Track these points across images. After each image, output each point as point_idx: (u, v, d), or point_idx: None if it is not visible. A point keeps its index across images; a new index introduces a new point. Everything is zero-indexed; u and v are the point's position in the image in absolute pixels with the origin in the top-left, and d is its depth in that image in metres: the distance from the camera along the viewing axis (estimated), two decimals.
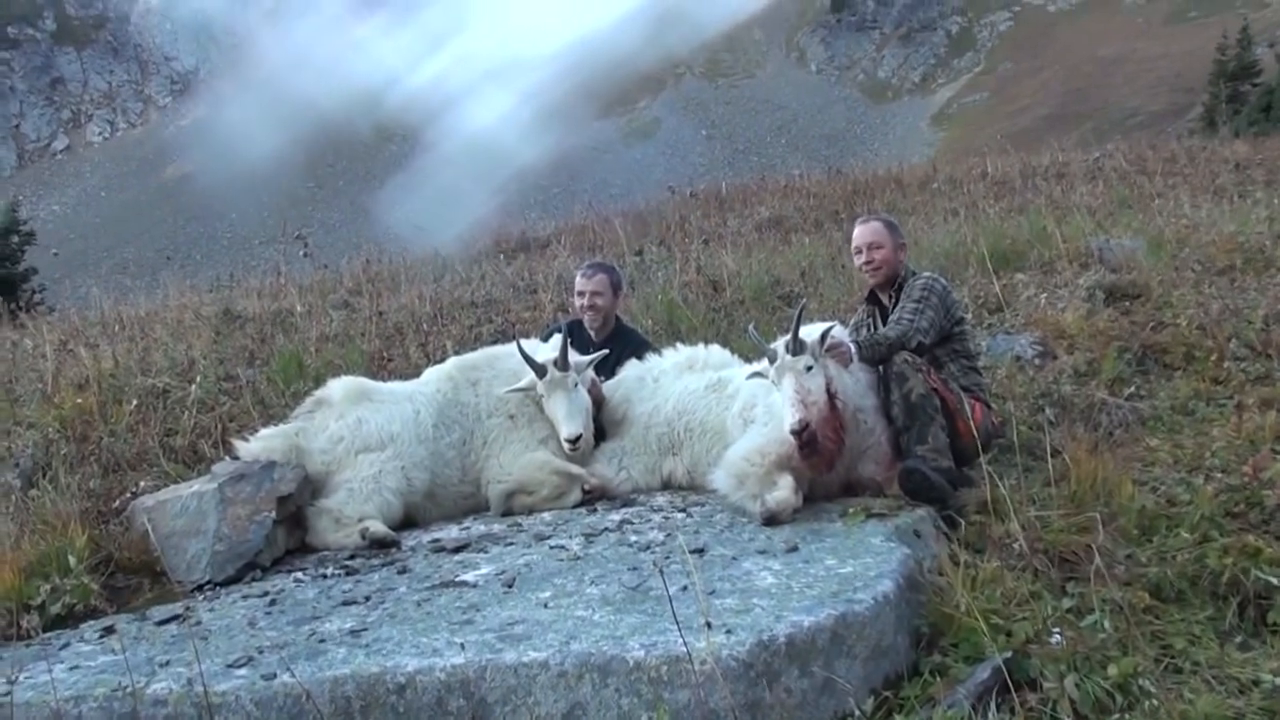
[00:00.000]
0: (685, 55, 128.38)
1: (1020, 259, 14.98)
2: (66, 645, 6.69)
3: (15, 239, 32.86)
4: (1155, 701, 4.94)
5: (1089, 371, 10.43)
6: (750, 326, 8.65)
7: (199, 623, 6.73)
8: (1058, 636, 5.44)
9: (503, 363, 9.38)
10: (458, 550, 7.63)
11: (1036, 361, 10.93)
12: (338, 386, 9.10)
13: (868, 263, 8.95)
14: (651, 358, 9.68)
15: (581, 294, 10.41)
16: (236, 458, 8.74)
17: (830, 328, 7.84)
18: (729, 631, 5.22)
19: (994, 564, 6.24)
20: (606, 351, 9.70)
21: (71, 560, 7.87)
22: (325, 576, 7.45)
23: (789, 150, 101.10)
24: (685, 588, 5.78)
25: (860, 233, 9.05)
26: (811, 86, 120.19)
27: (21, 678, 5.84)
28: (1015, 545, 6.46)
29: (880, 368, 8.11)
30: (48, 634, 7.12)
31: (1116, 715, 4.95)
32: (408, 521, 8.68)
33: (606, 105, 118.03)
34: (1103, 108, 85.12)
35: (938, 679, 5.42)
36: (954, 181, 26.92)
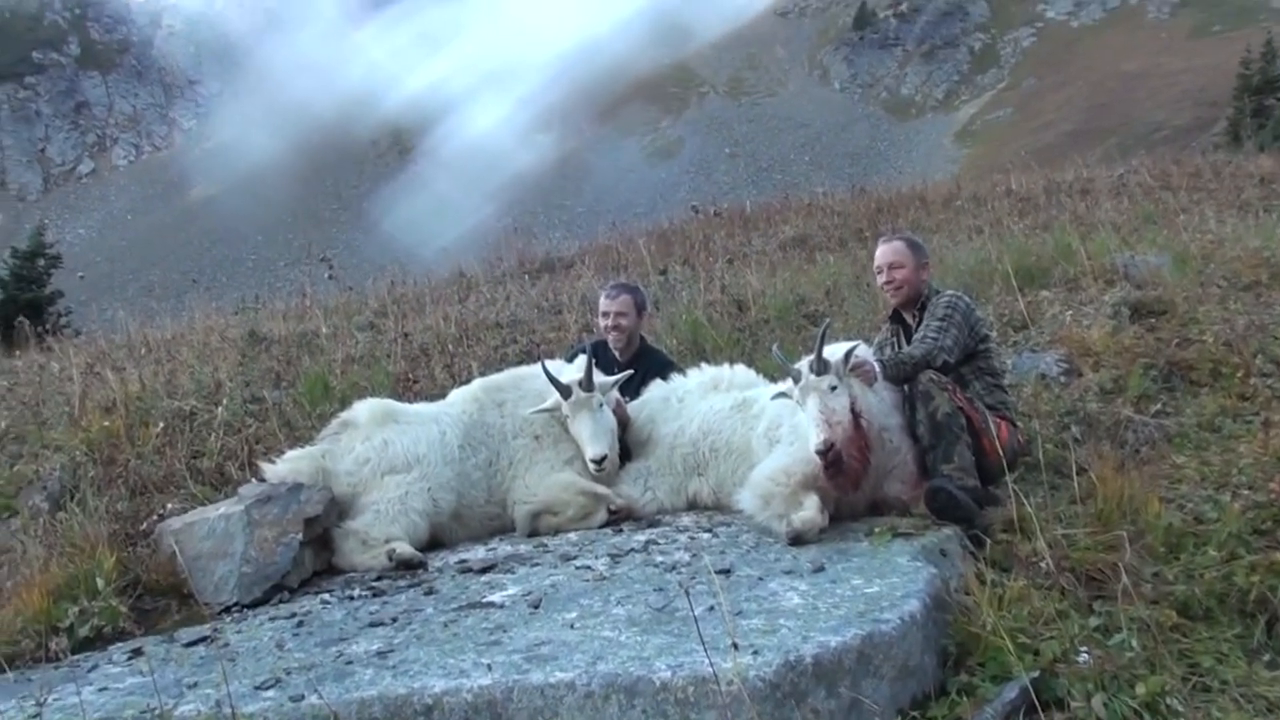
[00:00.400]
0: (708, 74, 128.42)
1: (1045, 276, 14.94)
2: (95, 667, 6.72)
3: (42, 262, 32.93)
4: None
5: (1115, 389, 10.38)
6: (774, 346, 8.64)
7: (226, 644, 6.75)
8: (1085, 655, 5.44)
9: (528, 384, 9.39)
10: (484, 571, 7.63)
11: (1062, 379, 10.89)
12: (363, 408, 9.12)
13: (888, 282, 8.94)
14: (676, 378, 9.70)
15: (606, 314, 10.43)
16: (263, 480, 8.75)
17: (854, 347, 7.85)
18: (755, 652, 5.21)
19: (1021, 583, 6.23)
20: (631, 372, 9.72)
21: (99, 583, 7.89)
22: (352, 598, 7.45)
23: (812, 168, 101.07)
24: (711, 608, 5.77)
25: (882, 252, 9.05)
26: (835, 104, 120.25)
27: (51, 700, 5.86)
28: (1042, 564, 6.45)
29: (905, 387, 8.11)
30: (76, 656, 7.14)
31: None
32: (434, 543, 8.67)
33: (608, 113, 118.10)
34: (1127, 123, 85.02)
35: (965, 699, 5.41)
36: (978, 199, 26.86)
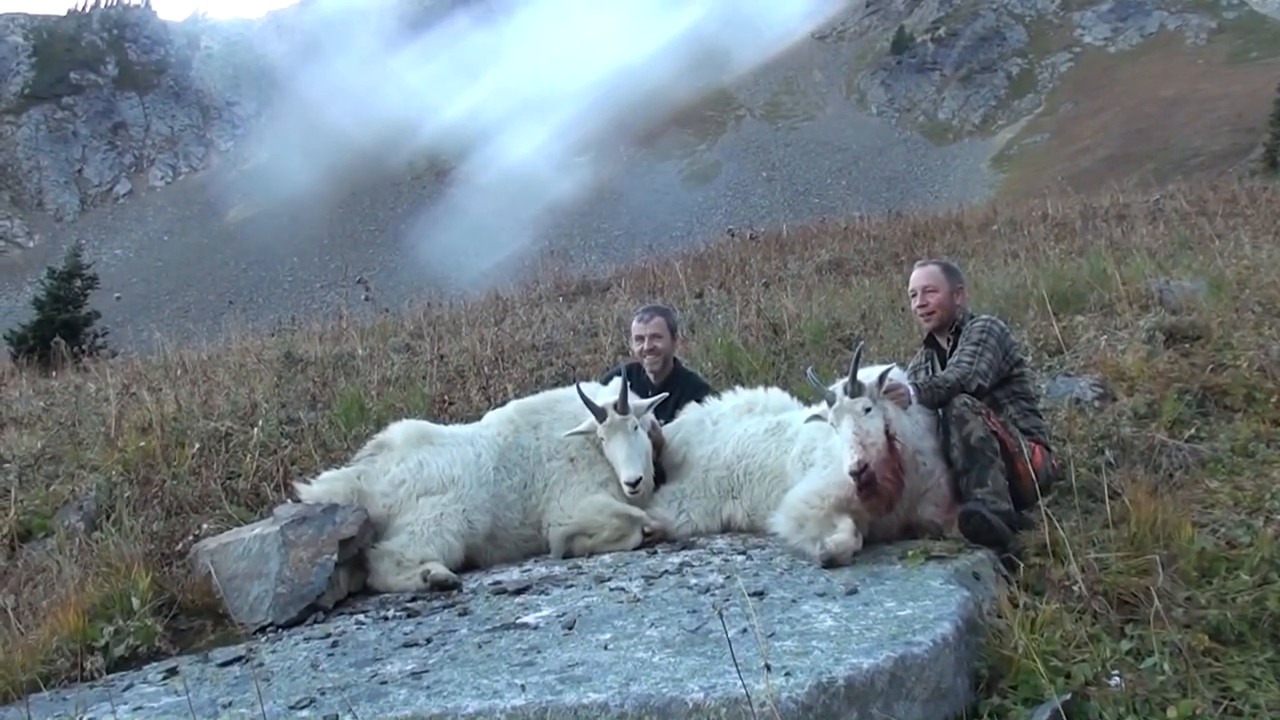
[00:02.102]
0: (745, 98, 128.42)
1: (1080, 301, 14.92)
2: (130, 687, 6.75)
3: (78, 283, 33.03)
4: None
5: (1149, 414, 10.36)
6: (809, 369, 8.66)
7: (261, 664, 6.78)
8: (1117, 679, 5.44)
9: (563, 406, 9.42)
10: (519, 592, 7.64)
11: (1096, 404, 10.87)
12: (399, 430, 9.15)
13: (922, 306, 8.95)
14: (711, 401, 9.68)
15: (640, 338, 10.43)
16: (298, 500, 8.78)
17: (888, 369, 7.86)
18: (788, 674, 5.22)
19: (1053, 606, 6.22)
20: (666, 395, 9.72)
21: (135, 602, 7.93)
22: (387, 618, 7.48)
23: (849, 192, 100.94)
24: (745, 630, 5.78)
25: (916, 276, 9.06)
26: (872, 128, 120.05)
27: (86, 719, 5.90)
28: (1074, 587, 6.45)
29: (939, 410, 8.12)
30: (111, 675, 7.19)
31: None
32: (469, 564, 8.69)
33: (646, 138, 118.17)
34: (1164, 148, 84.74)
35: None
36: (1014, 223, 26.84)
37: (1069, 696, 5.29)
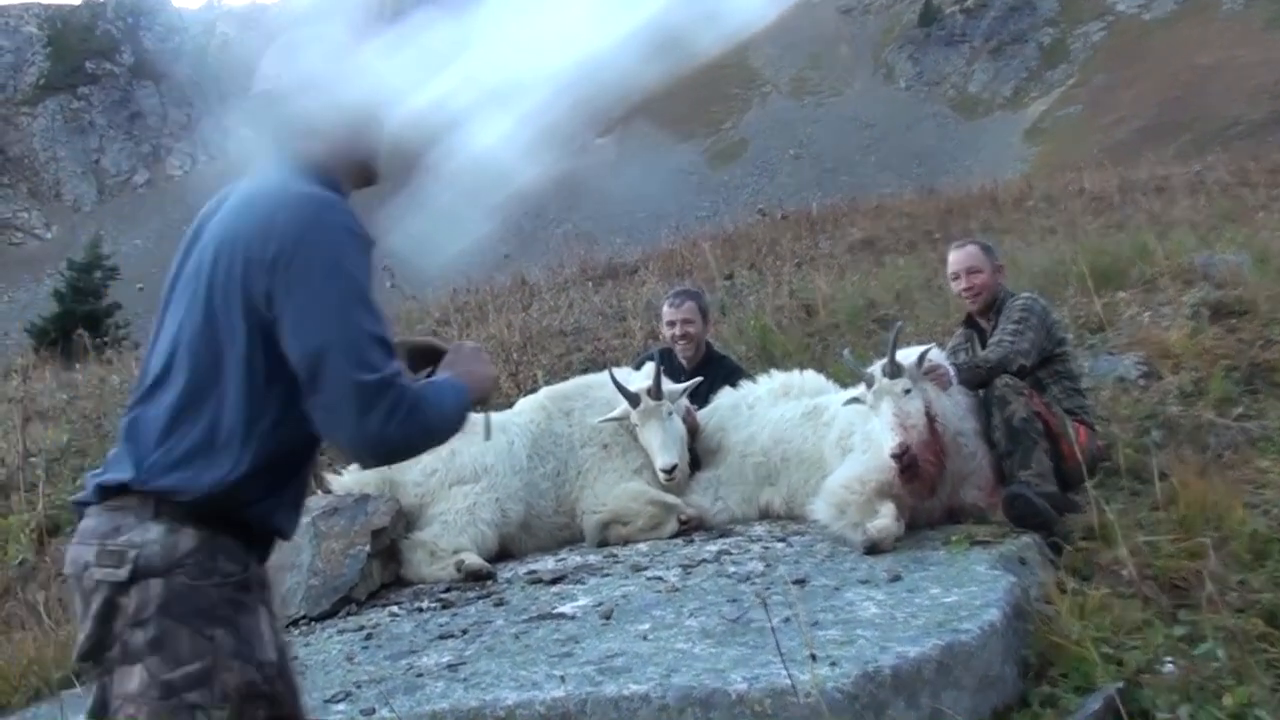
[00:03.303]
0: (770, 74, 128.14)
1: (1121, 277, 14.82)
2: None
3: (99, 274, 33.19)
4: None
5: (1196, 392, 10.29)
6: (845, 351, 8.65)
7: (295, 657, 6.78)
8: (1170, 666, 5.40)
9: (596, 392, 9.41)
10: (554, 582, 7.64)
11: (1141, 382, 10.82)
12: None
13: (967, 288, 8.87)
14: (746, 385, 9.63)
15: (672, 323, 10.35)
16: (329, 491, 8.79)
17: (927, 350, 7.82)
18: (833, 663, 5.20)
19: (1102, 591, 6.18)
20: (700, 379, 9.66)
21: None
22: (421, 610, 7.49)
23: (878, 169, 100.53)
24: (787, 619, 5.73)
25: (957, 258, 8.99)
26: (900, 103, 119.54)
27: None
28: (1124, 572, 6.40)
29: (980, 392, 8.08)
30: None
31: None
32: (502, 553, 8.72)
33: (667, 116, 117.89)
34: (1201, 118, 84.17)
35: (1047, 710, 5.38)
36: (1050, 198, 26.71)
37: (1121, 684, 5.24)
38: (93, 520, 3.35)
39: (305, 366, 3.32)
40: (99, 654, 3.27)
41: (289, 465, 3.54)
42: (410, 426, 3.43)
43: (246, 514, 3.41)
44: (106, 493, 3.37)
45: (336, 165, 3.78)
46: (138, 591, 3.22)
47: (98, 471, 3.45)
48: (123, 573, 3.23)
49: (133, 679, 3.19)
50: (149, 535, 3.26)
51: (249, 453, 3.37)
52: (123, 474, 3.34)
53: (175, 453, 3.33)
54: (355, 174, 3.88)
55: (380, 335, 3.42)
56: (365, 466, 3.91)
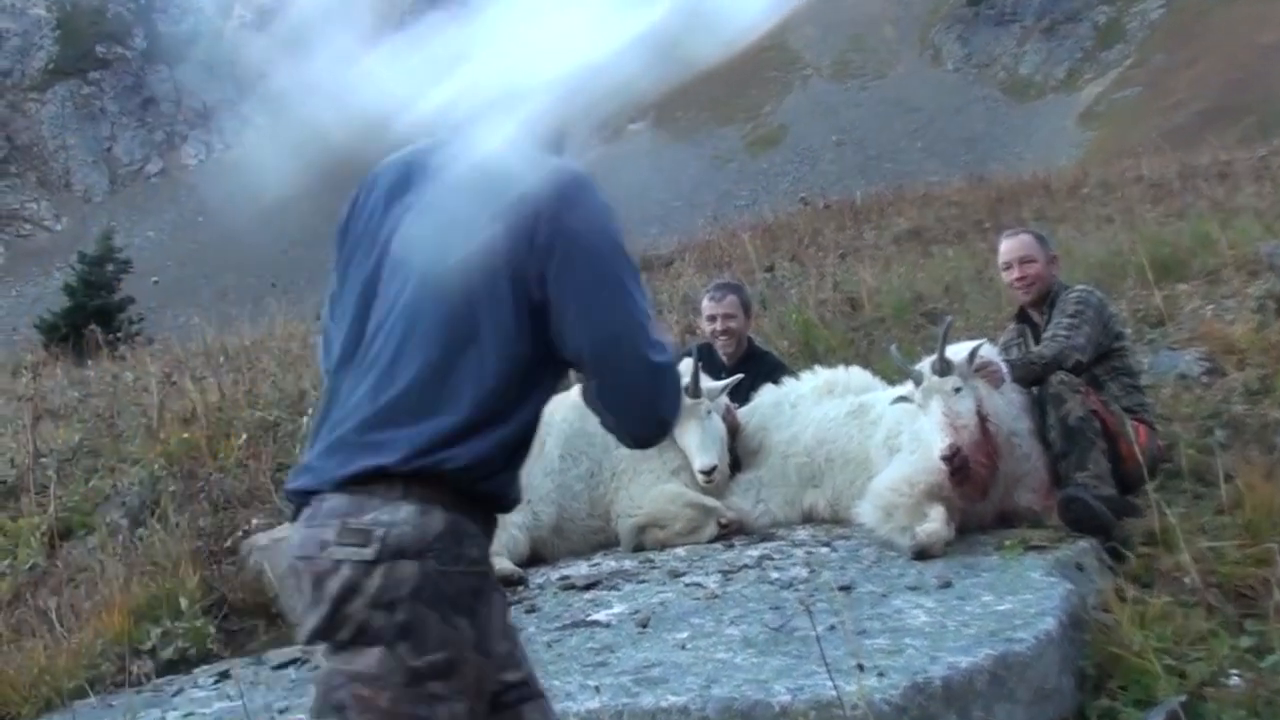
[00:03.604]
0: (811, 56, 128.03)
1: (1182, 268, 14.77)
2: (180, 691, 6.82)
3: (111, 267, 33.26)
4: None
5: (1262, 389, 10.22)
6: (893, 347, 8.62)
7: (318, 667, 6.78)
8: (1236, 678, 5.38)
9: None
10: (588, 588, 7.64)
11: (1204, 379, 10.75)
12: None
13: (1020, 279, 8.83)
14: (788, 382, 9.59)
15: (712, 318, 10.31)
16: None
17: (979, 346, 7.79)
18: (881, 674, 5.19)
19: (1164, 599, 6.16)
20: (741, 376, 9.60)
21: (183, 603, 7.99)
22: None
23: (925, 155, 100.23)
24: (832, 627, 5.72)
25: (1009, 247, 8.95)
26: (948, 86, 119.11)
27: None
28: (1186, 579, 6.39)
29: (1035, 389, 8.05)
30: (160, 680, 7.27)
31: None
32: (534, 558, 8.72)
33: (704, 101, 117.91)
34: (1265, 99, 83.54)
35: None
36: (1106, 185, 26.63)
37: (1184, 698, 5.23)
38: (331, 502, 3.39)
39: (596, 351, 3.47)
40: (330, 635, 3.32)
41: (531, 436, 3.66)
42: (679, 406, 3.78)
43: (489, 486, 3.51)
44: (349, 479, 3.42)
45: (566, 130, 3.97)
46: (385, 572, 3.27)
47: (317, 463, 3.45)
48: (369, 551, 3.28)
49: (369, 660, 3.25)
50: (399, 515, 3.31)
51: (508, 428, 3.49)
52: (381, 459, 3.37)
53: (433, 432, 3.40)
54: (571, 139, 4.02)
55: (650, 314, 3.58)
56: (639, 448, 4.03)
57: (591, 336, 3.43)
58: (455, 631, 3.31)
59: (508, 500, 3.64)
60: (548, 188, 3.50)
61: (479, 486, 3.46)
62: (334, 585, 3.29)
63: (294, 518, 3.49)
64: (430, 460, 3.35)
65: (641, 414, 3.58)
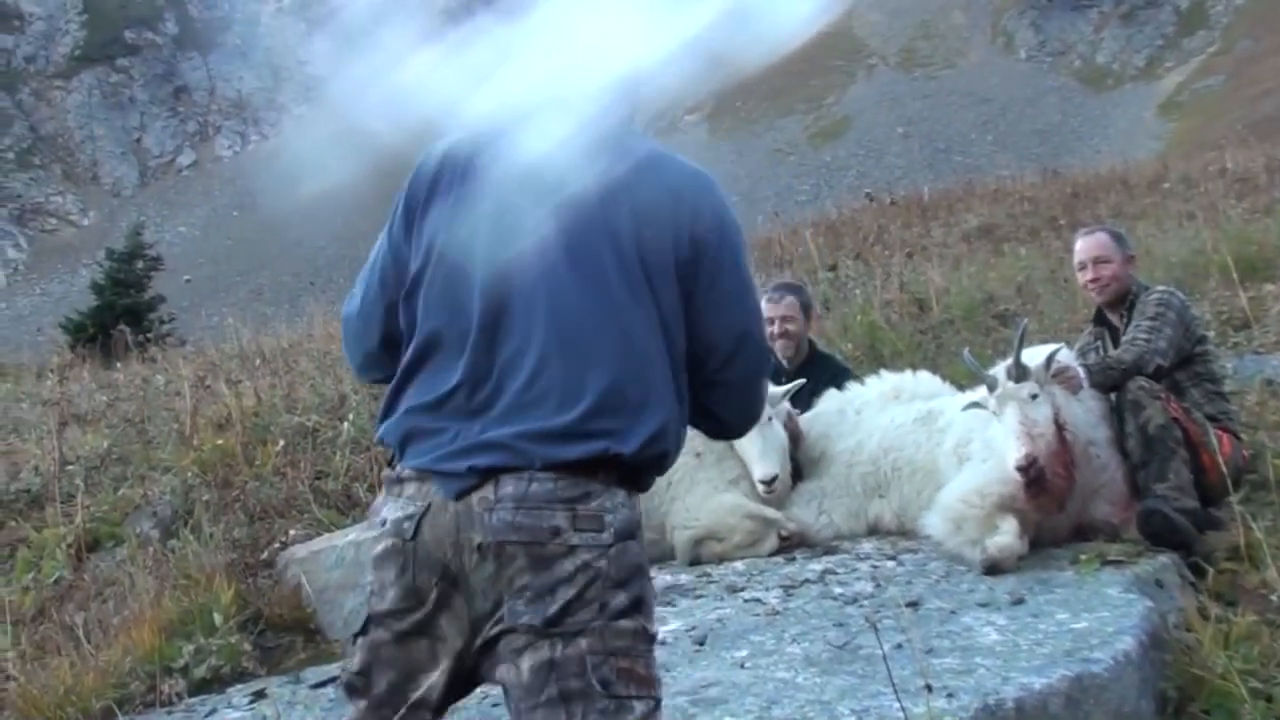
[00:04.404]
0: (877, 45, 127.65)
1: (1269, 268, 14.74)
2: (213, 712, 6.86)
3: (140, 265, 33.36)
4: None
5: None
6: (965, 351, 8.61)
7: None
8: None
9: None
10: None
11: None
12: None
13: (1094, 280, 8.83)
14: (852, 387, 9.59)
15: (771, 320, 10.22)
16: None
17: (1056, 350, 7.77)
18: (950, 695, 5.20)
19: (1249, 618, 6.15)
20: (803, 381, 9.57)
21: (217, 618, 8.00)
22: None
23: (996, 148, 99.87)
24: (899, 645, 5.73)
25: (1084, 246, 8.95)
26: (1020, 75, 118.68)
27: None
28: (1273, 597, 6.38)
29: (1113, 396, 8.04)
30: (192, 699, 7.28)
31: None
32: None
33: (765, 91, 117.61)
34: None
35: None
36: (1188, 180, 26.55)
37: None
38: (543, 485, 3.62)
39: (728, 344, 3.86)
40: (567, 617, 3.56)
41: None
42: None
43: (660, 474, 3.97)
44: (568, 464, 3.67)
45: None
46: (617, 554, 3.59)
47: (511, 442, 3.71)
48: (606, 536, 3.57)
49: (622, 635, 3.57)
50: (617, 500, 3.64)
51: (683, 409, 3.87)
52: (617, 445, 3.65)
53: (657, 425, 3.71)
54: None
55: None
56: (732, 438, 4.44)
57: (727, 328, 3.82)
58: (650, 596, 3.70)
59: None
60: (705, 194, 3.88)
61: (657, 474, 3.89)
62: (569, 569, 3.54)
63: (451, 493, 3.66)
64: (653, 450, 3.70)
65: (752, 403, 4.04)
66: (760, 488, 8.67)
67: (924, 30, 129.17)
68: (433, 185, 3.99)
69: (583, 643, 3.51)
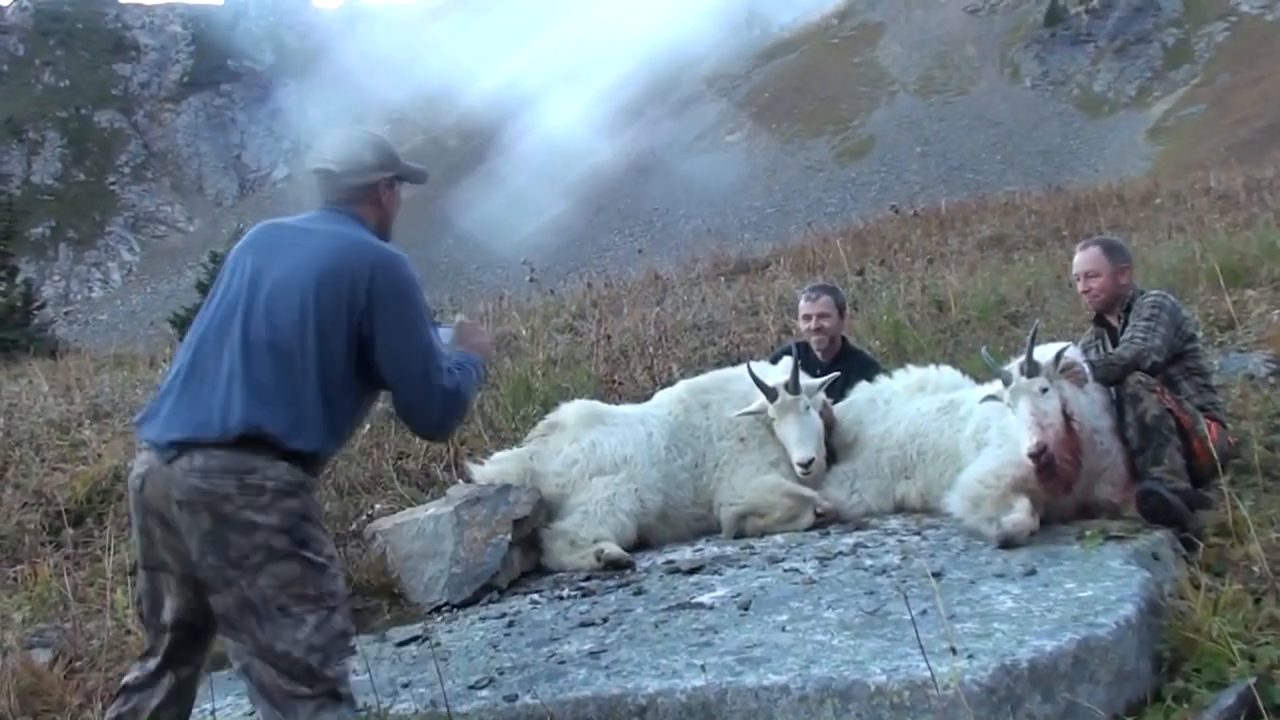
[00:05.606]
0: (898, 72, 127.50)
1: (1250, 275, 14.68)
2: None
3: None
4: None
5: None
6: (983, 348, 8.59)
7: (438, 644, 6.86)
8: None
9: (733, 386, 9.37)
10: (692, 572, 7.65)
11: (1271, 380, 10.68)
12: (571, 410, 9.19)
13: (1085, 291, 8.88)
14: (881, 379, 9.60)
15: (808, 317, 10.36)
16: (471, 481, 8.86)
17: (1064, 348, 7.76)
18: (971, 656, 5.19)
19: (1235, 587, 6.12)
20: (838, 374, 9.59)
21: None
22: (562, 598, 7.53)
23: (1004, 167, 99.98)
24: (924, 612, 5.73)
25: (1078, 260, 8.97)
26: (1026, 102, 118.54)
27: None
28: (1256, 568, 6.35)
29: (1113, 389, 8.03)
30: None
31: None
32: (640, 543, 8.71)
33: (798, 114, 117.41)
34: None
35: (1182, 705, 5.34)
36: (1177, 196, 26.43)
37: (1255, 679, 5.20)
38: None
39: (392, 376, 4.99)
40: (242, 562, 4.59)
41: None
42: (461, 410, 5.37)
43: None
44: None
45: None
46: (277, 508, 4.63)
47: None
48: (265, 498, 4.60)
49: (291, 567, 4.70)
50: (280, 470, 4.63)
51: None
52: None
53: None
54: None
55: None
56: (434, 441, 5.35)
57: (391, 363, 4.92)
58: None
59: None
60: (380, 268, 5.03)
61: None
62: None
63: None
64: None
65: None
66: (798, 469, 8.66)
67: (940, 61, 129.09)
68: None
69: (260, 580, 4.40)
